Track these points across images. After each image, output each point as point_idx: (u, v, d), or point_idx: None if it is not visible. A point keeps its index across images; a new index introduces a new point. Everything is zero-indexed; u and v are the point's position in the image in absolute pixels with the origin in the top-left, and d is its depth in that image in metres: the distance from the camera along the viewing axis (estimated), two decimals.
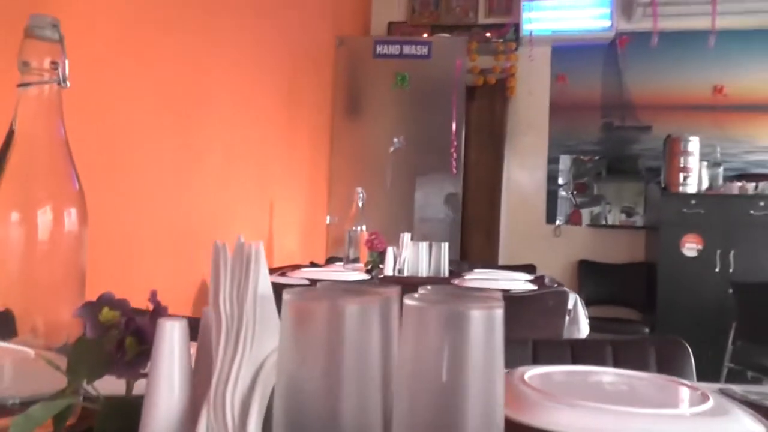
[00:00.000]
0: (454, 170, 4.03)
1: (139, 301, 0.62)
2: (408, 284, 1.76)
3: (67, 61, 0.63)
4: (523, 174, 4.94)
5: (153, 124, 1.93)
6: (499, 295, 0.48)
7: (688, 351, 1.23)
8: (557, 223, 4.86)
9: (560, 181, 4.89)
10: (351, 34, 4.51)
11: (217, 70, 2.39)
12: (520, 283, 2.54)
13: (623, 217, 4.76)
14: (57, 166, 0.62)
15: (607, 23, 4.66)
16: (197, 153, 2.25)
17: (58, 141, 0.62)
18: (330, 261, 3.47)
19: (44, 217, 0.59)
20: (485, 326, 0.42)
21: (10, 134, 0.60)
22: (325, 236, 4.09)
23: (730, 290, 3.99)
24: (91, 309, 0.55)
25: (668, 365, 1.21)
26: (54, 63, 0.62)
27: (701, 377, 1.12)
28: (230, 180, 2.55)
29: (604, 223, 4.78)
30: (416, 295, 0.47)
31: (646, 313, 4.29)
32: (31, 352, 0.57)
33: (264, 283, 0.49)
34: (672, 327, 4.07)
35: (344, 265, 2.92)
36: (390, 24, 5.25)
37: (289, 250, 3.33)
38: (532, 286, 2.46)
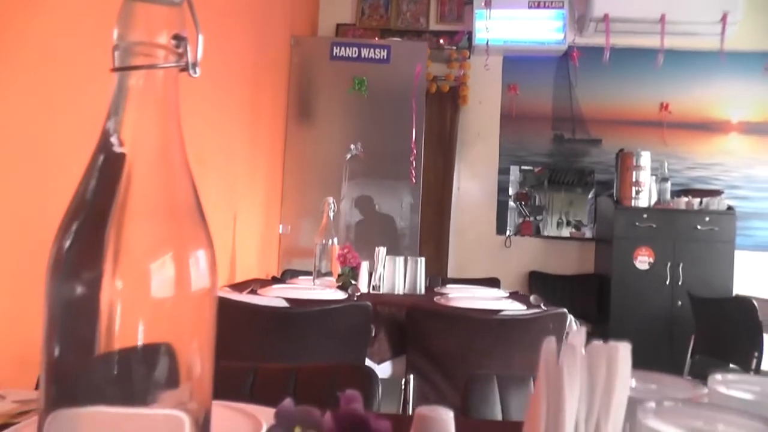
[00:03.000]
0: (413, 179, 3.91)
1: None
2: (387, 303, 1.58)
3: (201, 38, 0.42)
4: (474, 184, 4.88)
5: None
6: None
7: None
8: (507, 233, 4.83)
9: (510, 191, 4.86)
10: (302, 34, 4.31)
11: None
12: (506, 302, 2.43)
13: (572, 229, 4.79)
14: (180, 195, 0.42)
15: (560, 36, 4.68)
16: None
17: (180, 158, 0.42)
18: (286, 275, 3.26)
19: (194, 263, 0.40)
20: None
21: (117, 157, 0.39)
22: (278, 247, 3.86)
23: (680, 303, 4.09)
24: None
25: None
26: (178, 39, 0.41)
27: None
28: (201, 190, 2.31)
29: (554, 234, 4.79)
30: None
31: (598, 325, 4.31)
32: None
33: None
34: (624, 338, 4.10)
35: (314, 280, 2.72)
36: (338, 26, 5.08)
37: (249, 263, 3.10)
38: (520, 306, 2.36)
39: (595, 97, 4.79)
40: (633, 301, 4.15)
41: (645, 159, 4.28)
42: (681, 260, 4.14)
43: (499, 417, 1.00)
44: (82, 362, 0.37)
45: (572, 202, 4.80)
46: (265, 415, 0.75)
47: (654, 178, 4.38)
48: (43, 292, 0.37)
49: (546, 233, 4.80)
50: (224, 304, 1.90)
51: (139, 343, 0.37)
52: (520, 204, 4.86)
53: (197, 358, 0.39)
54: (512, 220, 4.85)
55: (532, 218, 4.85)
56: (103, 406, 0.36)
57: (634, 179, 4.28)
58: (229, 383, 1.11)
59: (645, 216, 4.21)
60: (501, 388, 1.03)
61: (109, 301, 0.37)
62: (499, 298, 2.56)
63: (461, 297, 2.49)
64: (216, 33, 2.47)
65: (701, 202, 4.27)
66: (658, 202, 4.37)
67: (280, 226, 3.87)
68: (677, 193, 4.43)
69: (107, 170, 0.39)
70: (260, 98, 3.25)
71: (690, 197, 4.29)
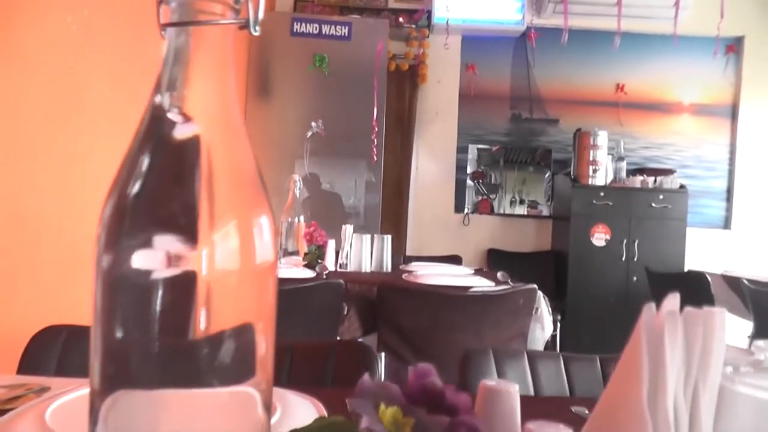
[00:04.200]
0: (375, 157, 3.88)
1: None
2: (357, 281, 1.57)
3: None
4: (432, 163, 4.89)
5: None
6: None
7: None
8: (466, 211, 4.87)
9: (468, 170, 4.89)
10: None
11: (145, 44, 2.06)
12: (474, 279, 2.45)
13: (527, 207, 4.85)
14: (247, 164, 0.39)
15: (519, 17, 4.70)
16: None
17: (240, 123, 0.39)
18: None
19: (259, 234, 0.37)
20: None
21: (186, 134, 0.36)
22: None
23: (635, 278, 4.20)
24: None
25: None
26: None
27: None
28: None
29: (511, 212, 4.85)
30: None
31: (556, 300, 4.39)
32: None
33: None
34: (581, 313, 4.21)
35: (280, 258, 2.68)
36: (296, 2, 4.97)
37: None
38: (488, 282, 2.37)
39: (552, 78, 4.84)
40: (590, 276, 4.25)
41: (602, 138, 4.36)
42: (636, 237, 4.26)
43: None
44: (147, 342, 0.34)
45: (525, 180, 4.86)
46: (279, 395, 0.72)
47: (610, 157, 4.47)
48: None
49: (500, 211, 4.85)
50: None
51: (211, 321, 0.34)
52: (477, 182, 4.89)
53: (264, 333, 0.37)
54: (470, 198, 4.89)
55: (491, 197, 4.89)
56: (171, 388, 0.33)
57: (591, 158, 4.36)
58: None
59: (602, 194, 4.29)
60: (496, 362, 1.03)
61: (184, 277, 0.34)
62: (467, 275, 2.57)
63: (430, 274, 2.50)
64: None
65: (655, 181, 4.38)
66: (614, 180, 4.46)
67: None
68: (632, 172, 4.53)
69: (180, 152, 0.36)
70: None
71: (645, 176, 4.40)
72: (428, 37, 4.78)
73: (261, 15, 0.38)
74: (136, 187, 0.35)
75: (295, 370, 1.06)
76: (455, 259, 3.65)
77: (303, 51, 3.88)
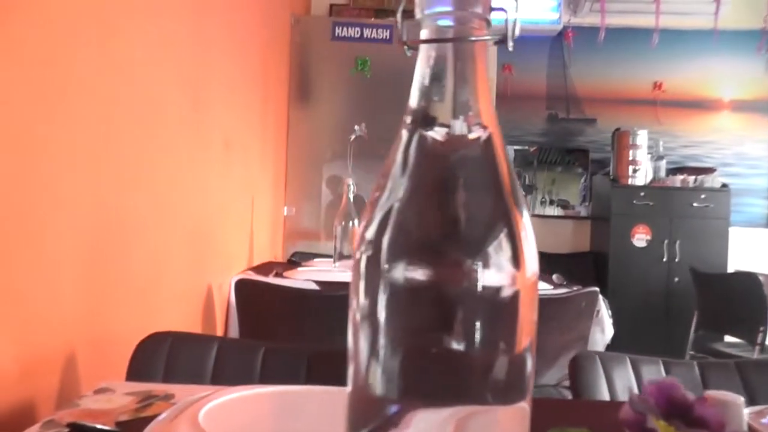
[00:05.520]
0: None
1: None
2: None
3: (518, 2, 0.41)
4: None
5: (165, 117, 1.65)
6: None
7: None
8: None
9: None
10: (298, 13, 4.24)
11: (214, 52, 2.11)
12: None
13: (558, 207, 4.83)
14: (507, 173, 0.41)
15: (555, 16, 4.69)
16: (203, 145, 1.97)
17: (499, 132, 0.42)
18: (295, 257, 3.23)
19: None
20: None
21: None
22: (283, 229, 3.83)
23: (676, 279, 4.18)
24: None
25: None
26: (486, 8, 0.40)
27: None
28: (227, 174, 2.28)
29: (541, 213, 4.84)
30: None
31: None
32: None
33: None
34: (622, 315, 4.18)
35: (334, 262, 2.71)
36: (332, 6, 5.00)
37: (262, 246, 3.07)
38: (545, 285, 2.39)
39: (589, 77, 4.83)
40: (631, 278, 4.23)
41: (642, 138, 4.34)
42: (677, 237, 4.23)
43: (606, 397, 1.02)
44: (431, 355, 0.36)
45: (555, 180, 4.84)
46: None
47: (649, 156, 4.45)
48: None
49: (540, 212, 4.84)
50: (261, 288, 1.88)
51: (487, 336, 0.36)
52: None
53: (532, 350, 0.38)
54: None
55: (527, 198, 4.89)
56: (453, 405, 0.36)
57: (631, 158, 4.34)
58: (286, 366, 1.11)
59: (642, 194, 4.28)
60: (603, 367, 1.05)
61: (469, 291, 0.36)
62: None
63: None
64: (226, 6, 2.42)
65: (696, 180, 4.35)
66: (654, 180, 4.44)
67: (285, 208, 3.84)
68: (672, 171, 4.51)
69: (474, 161, 0.39)
70: (268, 78, 3.20)
71: (685, 175, 4.37)
72: None
73: (518, 31, 0.41)
74: (418, 200, 0.38)
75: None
76: None
77: (344, 55, 3.91)
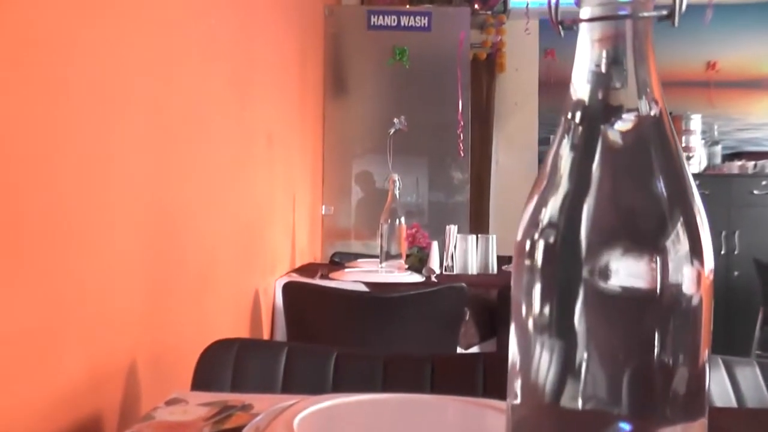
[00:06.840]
0: (462, 153, 3.73)
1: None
2: (474, 284, 1.45)
3: None
4: (513, 157, 4.70)
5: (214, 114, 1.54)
6: None
7: None
8: None
9: None
10: (331, 3, 4.10)
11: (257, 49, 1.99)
12: None
13: None
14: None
15: None
16: (249, 143, 1.86)
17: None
18: (335, 257, 3.09)
19: None
20: None
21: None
22: (321, 228, 3.70)
23: (736, 273, 3.94)
24: None
25: None
26: None
27: None
28: (270, 170, 2.16)
29: None
30: None
31: None
32: None
33: None
34: None
35: (381, 262, 2.57)
36: None
37: (302, 246, 2.95)
38: None
39: None
40: None
41: (695, 123, 4.11)
42: (736, 228, 3.99)
43: None
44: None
45: None
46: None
47: (703, 141, 4.21)
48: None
49: None
50: (309, 290, 1.77)
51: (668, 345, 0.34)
52: None
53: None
54: None
55: None
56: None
57: (683, 144, 4.11)
58: (359, 372, 1.05)
59: (697, 182, 3.98)
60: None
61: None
62: None
63: None
64: (265, 2, 2.29)
65: (755, 166, 4.10)
66: (709, 167, 4.21)
67: (323, 206, 3.71)
68: (728, 157, 4.26)
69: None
70: (305, 72, 3.07)
71: (743, 161, 4.13)
72: (505, 23, 4.60)
73: (684, 6, 0.37)
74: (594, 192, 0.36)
75: (437, 383, 0.99)
76: None
77: (381, 44, 3.76)
